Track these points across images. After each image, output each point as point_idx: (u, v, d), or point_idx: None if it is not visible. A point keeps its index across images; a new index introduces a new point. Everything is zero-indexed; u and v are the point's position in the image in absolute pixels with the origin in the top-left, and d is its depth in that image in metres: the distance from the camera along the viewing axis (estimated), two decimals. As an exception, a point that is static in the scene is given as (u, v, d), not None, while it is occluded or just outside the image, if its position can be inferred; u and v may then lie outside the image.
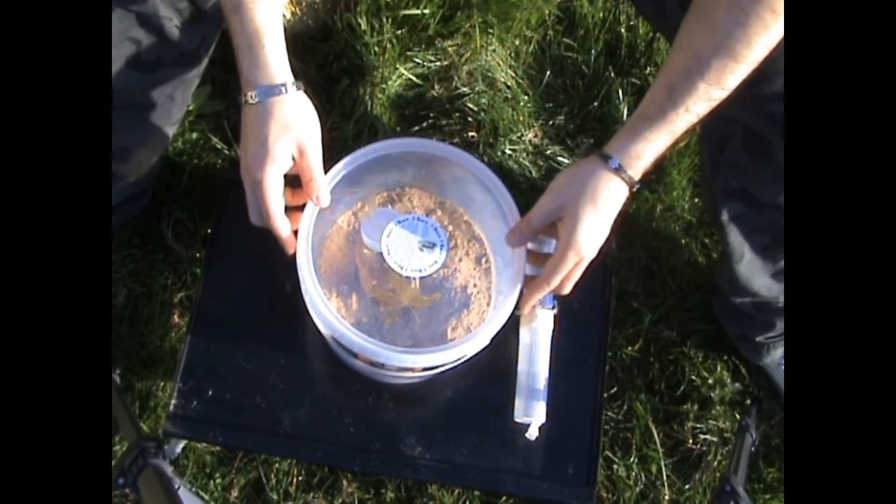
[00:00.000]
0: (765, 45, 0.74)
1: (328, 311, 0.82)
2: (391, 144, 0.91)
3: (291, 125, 0.82)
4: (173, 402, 0.95)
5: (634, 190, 0.82)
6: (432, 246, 0.86)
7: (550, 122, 1.37)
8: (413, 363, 0.83)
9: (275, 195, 0.83)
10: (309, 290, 0.83)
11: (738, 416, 1.28)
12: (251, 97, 0.81)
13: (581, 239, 0.81)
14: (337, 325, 0.82)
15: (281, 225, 0.85)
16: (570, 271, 0.84)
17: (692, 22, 0.78)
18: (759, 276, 1.08)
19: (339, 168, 0.89)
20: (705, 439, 1.26)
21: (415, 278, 0.87)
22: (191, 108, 1.26)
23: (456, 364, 0.89)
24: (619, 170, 0.80)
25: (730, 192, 0.99)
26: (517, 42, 1.39)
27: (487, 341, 0.86)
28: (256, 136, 0.82)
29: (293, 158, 0.84)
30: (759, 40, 0.74)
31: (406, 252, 0.86)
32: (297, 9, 1.31)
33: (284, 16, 1.28)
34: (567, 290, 0.87)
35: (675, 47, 0.79)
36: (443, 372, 0.94)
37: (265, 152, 0.81)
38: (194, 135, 1.28)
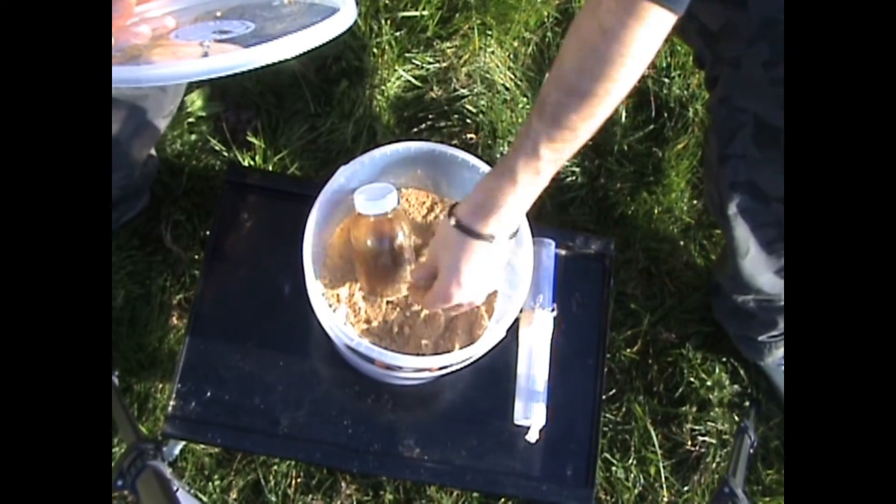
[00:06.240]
0: (579, 66, 0.73)
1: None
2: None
3: None
4: (172, 403, 0.95)
5: (481, 236, 0.83)
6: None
7: (549, 124, 1.37)
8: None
9: None
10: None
11: (736, 418, 1.28)
12: None
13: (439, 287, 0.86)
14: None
15: None
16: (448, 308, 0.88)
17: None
18: (763, 272, 1.09)
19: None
20: (704, 441, 1.26)
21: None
22: (189, 110, 1.26)
23: (460, 368, 0.90)
24: (459, 226, 0.83)
25: (737, 185, 1.00)
26: (516, 44, 1.39)
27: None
28: None
29: None
30: (575, 62, 0.73)
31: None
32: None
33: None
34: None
35: None
36: (443, 375, 0.94)
37: None
38: (193, 136, 1.28)
